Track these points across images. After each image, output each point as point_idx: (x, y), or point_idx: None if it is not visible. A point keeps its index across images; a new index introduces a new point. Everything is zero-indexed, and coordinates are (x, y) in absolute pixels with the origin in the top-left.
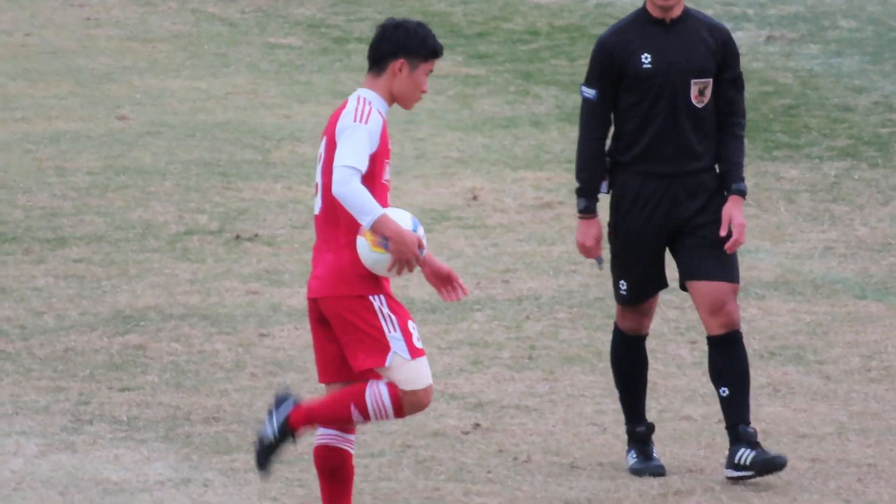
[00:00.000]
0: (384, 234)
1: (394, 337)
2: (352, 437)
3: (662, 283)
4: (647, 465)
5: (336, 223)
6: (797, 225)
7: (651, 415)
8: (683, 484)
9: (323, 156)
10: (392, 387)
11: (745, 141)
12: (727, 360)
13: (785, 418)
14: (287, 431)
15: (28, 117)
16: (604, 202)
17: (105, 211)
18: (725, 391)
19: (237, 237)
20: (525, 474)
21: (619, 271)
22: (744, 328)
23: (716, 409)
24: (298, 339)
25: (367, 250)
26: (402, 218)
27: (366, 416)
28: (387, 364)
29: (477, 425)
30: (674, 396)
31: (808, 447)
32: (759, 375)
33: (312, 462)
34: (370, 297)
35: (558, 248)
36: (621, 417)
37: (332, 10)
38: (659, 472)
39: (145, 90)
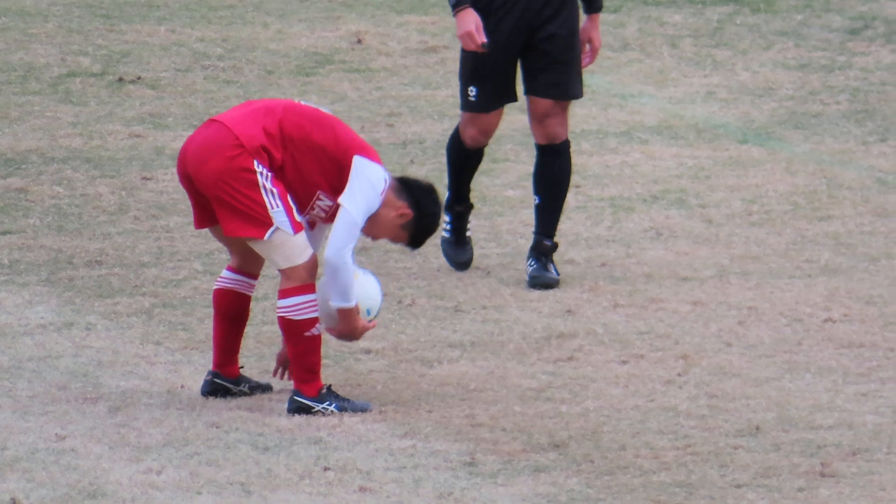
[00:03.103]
0: (345, 322)
1: (277, 212)
2: (254, 282)
3: (512, 96)
4: (459, 251)
5: (260, 121)
6: (680, 70)
7: None
8: (566, 327)
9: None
10: (288, 291)
11: None
12: (546, 170)
13: (667, 261)
14: (311, 399)
15: None
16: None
17: None
18: (537, 200)
19: (120, 80)
20: (409, 318)
21: (469, 77)
22: (627, 172)
23: (599, 252)
24: None
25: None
26: (371, 289)
27: (311, 324)
28: (266, 238)
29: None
30: (557, 240)
31: (690, 290)
32: (641, 219)
33: (195, 306)
34: (256, 166)
35: (443, 91)
36: (506, 261)
37: None
38: (467, 260)
39: None
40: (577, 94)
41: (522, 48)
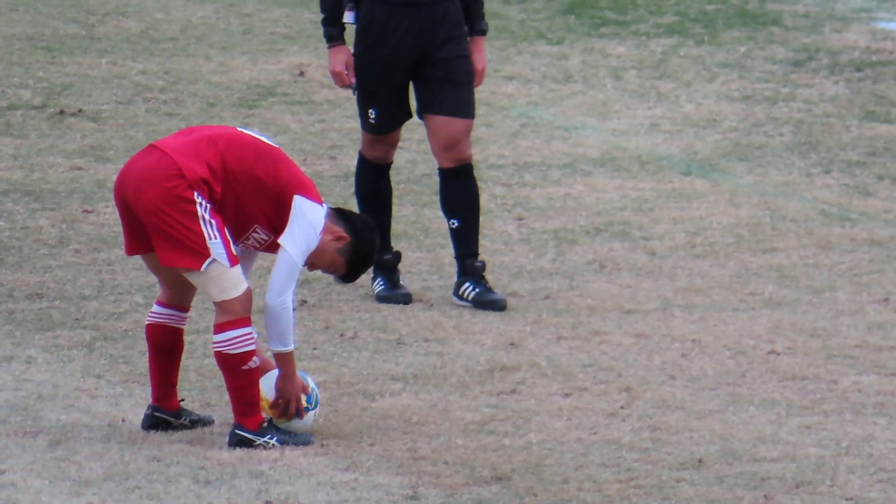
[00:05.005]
0: (283, 367)
1: (215, 243)
2: (186, 314)
3: (408, 113)
4: (393, 292)
5: (198, 157)
6: (624, 101)
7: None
8: (509, 359)
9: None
10: (223, 325)
11: (572, 17)
12: (458, 192)
13: (611, 294)
14: (252, 433)
15: None
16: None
17: None
18: (455, 223)
19: (61, 112)
20: (352, 350)
21: (367, 101)
22: (570, 205)
23: (542, 284)
24: None
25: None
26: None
27: (248, 357)
28: (202, 269)
29: (304, 302)
30: (501, 273)
31: (634, 323)
32: (585, 252)
33: (136, 339)
34: (196, 197)
35: None
36: (449, 293)
37: None
38: (405, 299)
39: None
40: (474, 115)
41: (417, 70)
